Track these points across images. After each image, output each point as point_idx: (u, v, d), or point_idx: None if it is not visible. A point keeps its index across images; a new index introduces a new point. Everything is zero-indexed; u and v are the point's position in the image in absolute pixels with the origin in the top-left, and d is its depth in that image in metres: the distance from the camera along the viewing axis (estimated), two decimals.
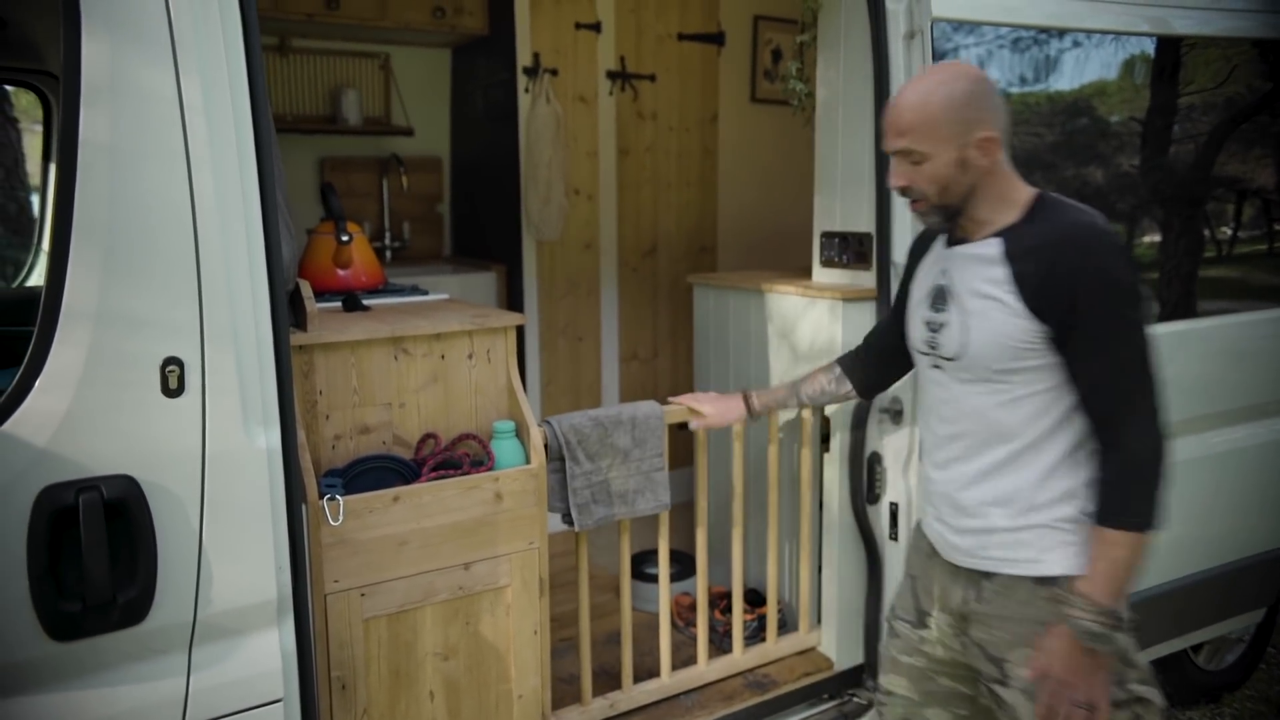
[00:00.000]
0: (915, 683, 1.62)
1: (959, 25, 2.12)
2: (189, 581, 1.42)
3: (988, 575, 1.48)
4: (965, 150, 1.38)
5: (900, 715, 1.65)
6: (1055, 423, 1.41)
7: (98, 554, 1.29)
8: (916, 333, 1.56)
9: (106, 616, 1.32)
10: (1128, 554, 1.33)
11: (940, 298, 1.49)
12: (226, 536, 1.46)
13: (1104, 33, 2.35)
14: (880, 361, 1.84)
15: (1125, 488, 1.33)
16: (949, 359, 1.46)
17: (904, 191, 1.45)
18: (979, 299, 1.42)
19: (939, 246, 1.56)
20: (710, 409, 2.03)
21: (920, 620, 1.60)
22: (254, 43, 1.45)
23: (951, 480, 1.51)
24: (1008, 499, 1.44)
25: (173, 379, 1.36)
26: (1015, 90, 2.28)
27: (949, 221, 1.46)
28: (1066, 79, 2.36)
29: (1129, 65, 2.45)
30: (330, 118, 3.51)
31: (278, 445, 1.52)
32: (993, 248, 1.42)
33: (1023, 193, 1.44)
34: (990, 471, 1.45)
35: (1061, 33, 2.31)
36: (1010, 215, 1.42)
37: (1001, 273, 1.39)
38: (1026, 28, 2.24)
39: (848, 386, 1.89)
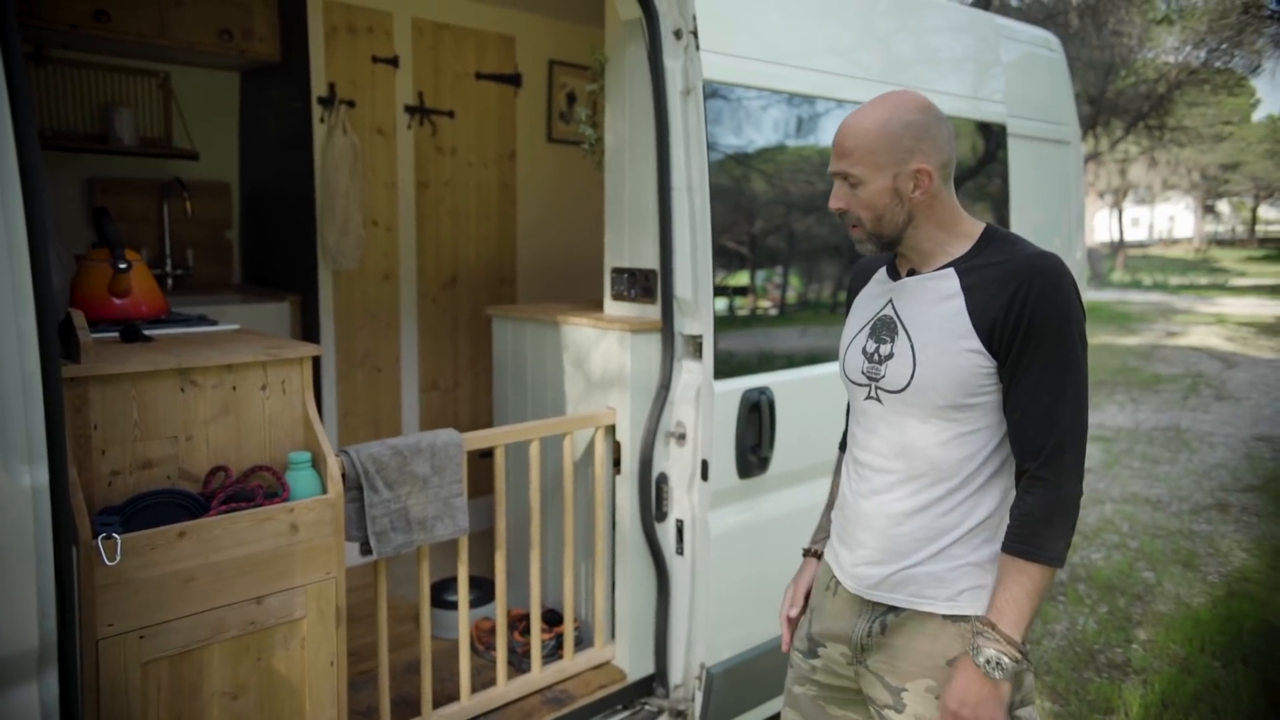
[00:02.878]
0: (806, 714, 1.60)
1: (723, 86, 2.38)
2: None
3: (893, 609, 1.45)
4: (899, 180, 1.37)
5: None
6: (990, 461, 1.39)
7: None
8: (854, 364, 1.50)
9: None
10: (1040, 589, 1.32)
11: (885, 328, 1.45)
12: None
13: (846, 102, 2.71)
14: None
15: (1049, 522, 1.32)
16: (893, 391, 1.42)
17: (841, 215, 1.43)
18: (931, 330, 1.38)
19: (880, 276, 1.53)
20: (801, 592, 1.69)
21: (812, 651, 1.58)
22: (14, 59, 1.39)
23: (875, 513, 1.46)
24: (935, 536, 1.40)
25: None
26: (779, 144, 2.58)
27: (884, 249, 1.45)
28: (821, 137, 2.70)
29: None
30: (100, 136, 3.28)
31: (45, 483, 1.45)
32: (946, 279, 1.39)
33: (970, 225, 1.43)
34: (921, 509, 1.41)
35: (804, 99, 2.64)
36: (959, 247, 1.41)
37: (956, 304, 1.37)
38: (777, 92, 2.54)
39: None
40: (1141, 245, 36.83)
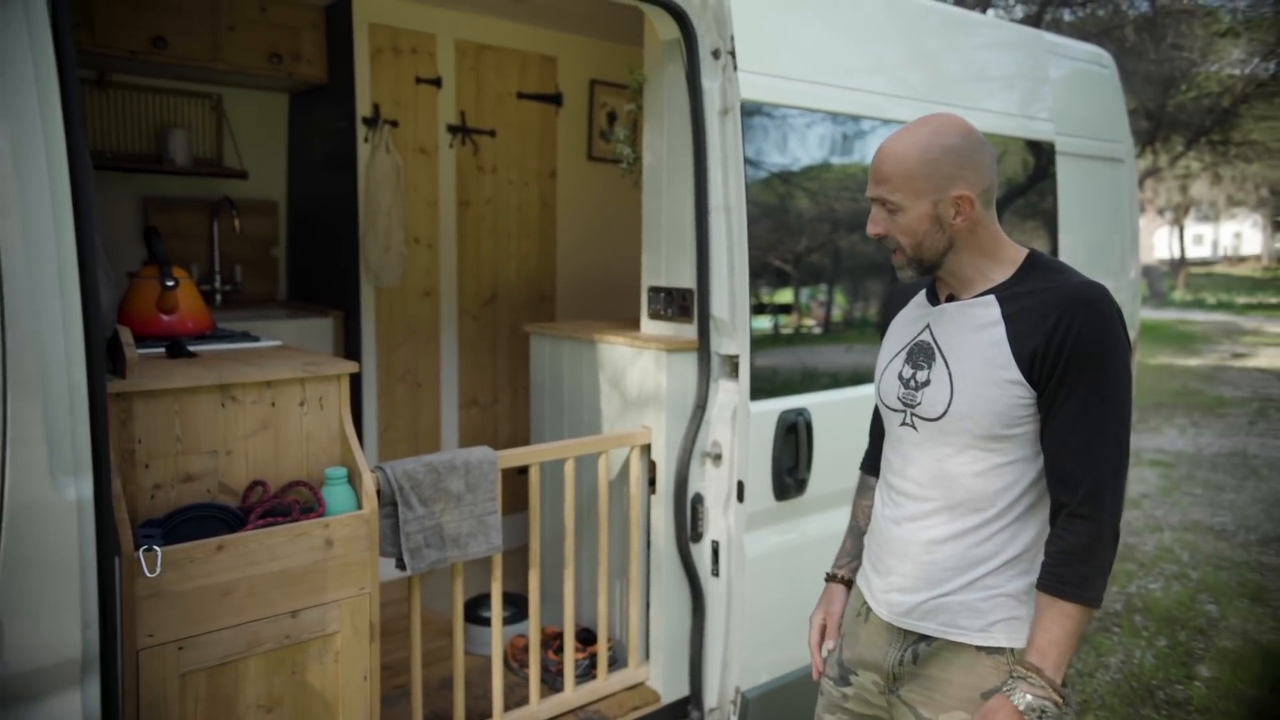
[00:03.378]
0: None
1: (762, 105, 2.37)
2: None
3: (925, 638, 1.42)
4: (939, 206, 1.34)
5: None
6: (1029, 493, 1.36)
7: None
8: (889, 389, 1.47)
9: None
10: (1079, 628, 1.28)
11: (922, 354, 1.42)
12: (26, 593, 1.41)
13: (891, 121, 2.68)
14: None
15: (1089, 561, 1.28)
16: (929, 419, 1.39)
17: (880, 240, 1.41)
18: (970, 359, 1.35)
19: (919, 300, 1.50)
20: (834, 623, 1.66)
21: (843, 678, 1.56)
22: (71, 87, 1.45)
23: (908, 539, 1.43)
24: (969, 566, 1.37)
25: None
26: (818, 163, 2.56)
27: (924, 275, 1.42)
28: (857, 155, 2.67)
29: None
30: (155, 157, 3.39)
31: (89, 496, 1.49)
32: (987, 306, 1.36)
33: (1013, 251, 1.39)
34: (955, 537, 1.38)
35: (847, 118, 2.61)
36: (1001, 273, 1.38)
37: (997, 333, 1.33)
38: (818, 112, 2.52)
39: None
40: (1205, 263, 35.68)
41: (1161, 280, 22.76)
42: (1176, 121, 14.60)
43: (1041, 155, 3.19)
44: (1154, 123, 13.95)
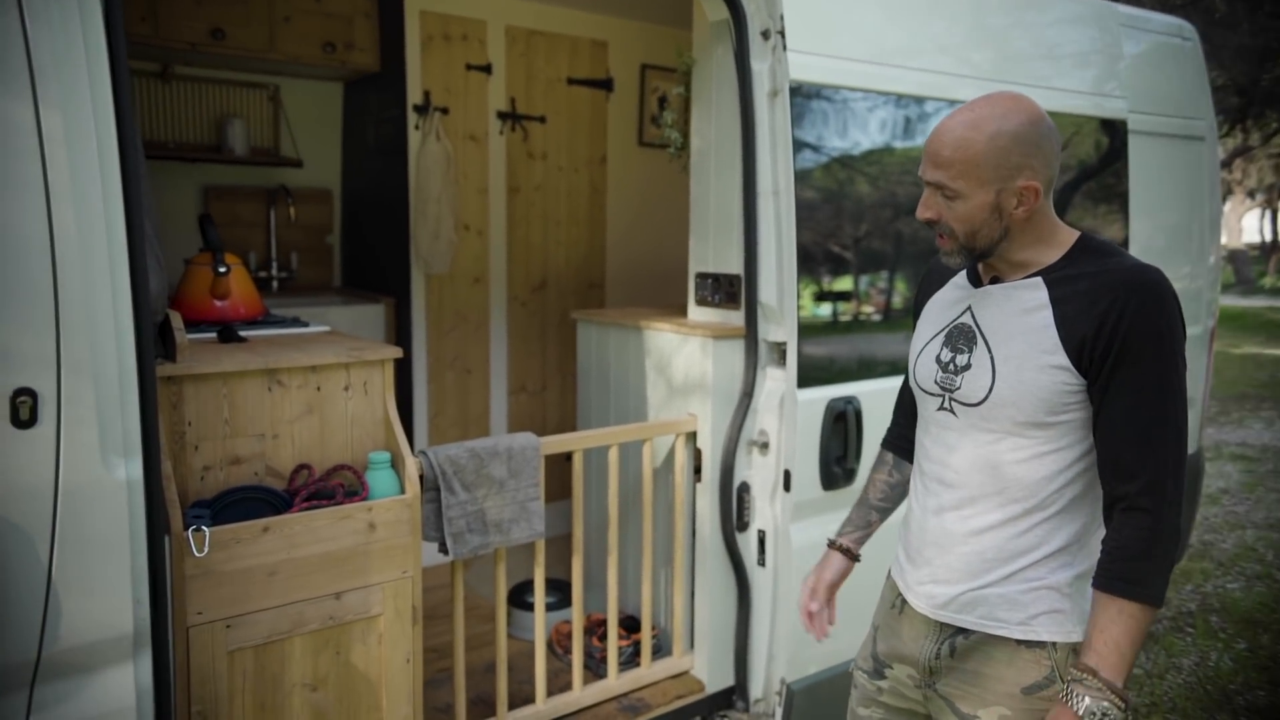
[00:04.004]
0: None
1: (815, 87, 2.31)
2: (34, 618, 1.40)
3: (963, 631, 1.38)
4: (1002, 196, 1.27)
5: None
6: (1075, 483, 1.31)
7: None
8: (926, 371, 1.41)
9: None
10: (1142, 630, 1.22)
11: (962, 337, 1.37)
12: (79, 570, 1.45)
13: (956, 102, 2.58)
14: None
15: (1150, 556, 1.22)
16: (969, 404, 1.33)
17: (931, 224, 1.34)
18: (1014, 343, 1.30)
19: (959, 281, 1.45)
20: (823, 585, 1.64)
21: (878, 671, 1.52)
22: (122, 75, 1.47)
23: (946, 530, 1.38)
24: (1010, 557, 1.33)
25: (24, 410, 1.35)
26: (874, 147, 2.48)
27: (972, 262, 1.37)
28: (918, 138, 2.58)
29: None
30: (215, 146, 3.47)
31: (139, 476, 1.52)
32: (1034, 289, 1.30)
33: (1065, 234, 1.33)
34: (994, 527, 1.33)
35: (908, 99, 2.53)
36: (1050, 255, 1.32)
37: (1043, 317, 1.28)
38: (876, 93, 2.45)
39: (907, 467, 1.62)
40: None
41: (1249, 266, 21.63)
42: (1272, 96, 13.73)
43: (1114, 134, 3.05)
44: (1245, 99, 13.18)
